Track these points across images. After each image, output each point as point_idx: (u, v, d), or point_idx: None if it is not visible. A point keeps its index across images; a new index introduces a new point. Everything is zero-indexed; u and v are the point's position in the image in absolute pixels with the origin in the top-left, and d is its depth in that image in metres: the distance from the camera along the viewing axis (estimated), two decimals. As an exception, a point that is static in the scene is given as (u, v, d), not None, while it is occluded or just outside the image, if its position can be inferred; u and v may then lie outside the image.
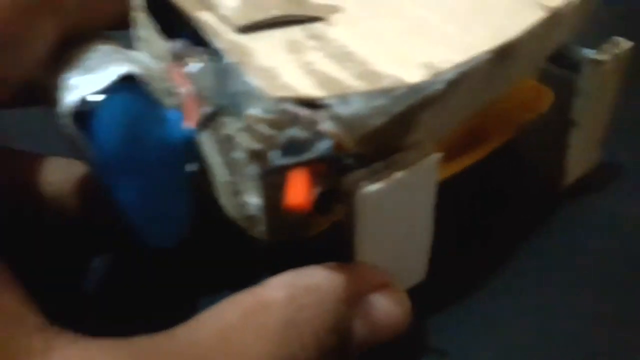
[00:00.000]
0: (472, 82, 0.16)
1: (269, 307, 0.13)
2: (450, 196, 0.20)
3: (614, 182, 0.25)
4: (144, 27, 0.16)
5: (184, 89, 0.14)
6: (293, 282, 0.14)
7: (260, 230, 0.15)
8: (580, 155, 0.23)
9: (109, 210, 0.15)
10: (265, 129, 0.13)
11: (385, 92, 0.14)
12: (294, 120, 0.13)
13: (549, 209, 0.24)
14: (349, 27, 0.16)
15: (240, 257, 0.19)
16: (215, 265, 0.20)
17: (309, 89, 0.13)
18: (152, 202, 0.13)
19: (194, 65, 0.14)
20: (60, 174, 0.19)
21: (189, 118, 0.14)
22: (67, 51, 0.16)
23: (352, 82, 0.14)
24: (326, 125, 0.12)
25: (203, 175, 0.16)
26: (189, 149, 0.14)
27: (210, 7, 0.15)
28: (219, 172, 0.15)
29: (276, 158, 0.12)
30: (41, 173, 0.19)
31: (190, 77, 0.14)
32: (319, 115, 0.13)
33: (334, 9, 0.16)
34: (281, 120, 0.13)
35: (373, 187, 0.14)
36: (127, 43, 0.18)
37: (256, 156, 0.13)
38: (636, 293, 0.21)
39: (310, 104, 0.13)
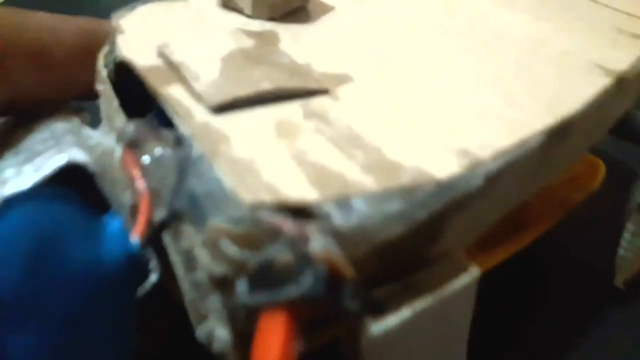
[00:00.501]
0: (520, 171, 0.12)
1: None
2: (485, 294, 0.16)
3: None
4: (108, 102, 0.13)
5: (138, 184, 0.11)
6: None
7: None
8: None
9: None
10: (231, 248, 0.09)
11: (405, 191, 0.10)
12: (272, 236, 0.09)
13: (603, 310, 0.20)
14: (358, 102, 0.12)
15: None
16: None
17: (298, 189, 0.10)
18: (67, 353, 0.09)
19: (152, 154, 0.11)
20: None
21: (138, 226, 0.10)
22: (15, 127, 0.14)
23: (358, 176, 0.10)
24: (318, 245, 0.09)
25: (168, 275, 0.12)
26: (133, 268, 0.10)
27: (183, 79, 0.12)
28: (184, 286, 0.11)
29: (244, 292, 0.09)
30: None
31: (147, 168, 0.11)
32: (309, 229, 0.09)
33: (343, 79, 0.13)
34: (255, 236, 0.09)
35: (386, 324, 0.10)
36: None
37: (218, 283, 0.09)
38: None
39: (299, 211, 0.09)
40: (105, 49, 0.14)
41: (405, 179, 0.10)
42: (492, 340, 0.18)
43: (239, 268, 0.09)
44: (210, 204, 0.10)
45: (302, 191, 0.10)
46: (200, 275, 0.10)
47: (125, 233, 0.10)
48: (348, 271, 0.09)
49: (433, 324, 0.11)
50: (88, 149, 0.12)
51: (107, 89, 0.13)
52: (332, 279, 0.09)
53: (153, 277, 0.11)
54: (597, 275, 0.20)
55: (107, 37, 0.15)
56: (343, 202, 0.09)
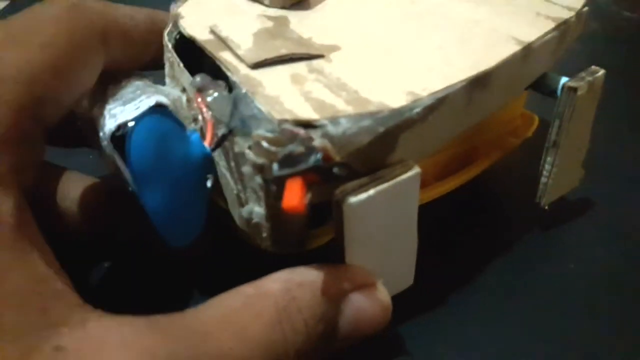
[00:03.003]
0: (451, 107, 0.19)
1: (266, 295, 0.16)
2: (442, 211, 0.22)
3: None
4: (173, 65, 0.20)
5: (205, 114, 0.17)
6: (288, 277, 0.17)
7: (264, 239, 0.18)
8: (563, 176, 0.25)
9: (128, 221, 0.17)
10: (268, 146, 0.15)
11: (370, 114, 0.16)
12: (292, 138, 0.15)
13: (527, 229, 0.26)
14: (345, 63, 0.19)
15: (246, 265, 0.22)
16: (220, 271, 0.22)
17: (306, 112, 0.16)
18: (174, 208, 0.16)
19: (213, 95, 0.17)
20: (76, 187, 0.22)
21: (207, 138, 0.16)
22: (107, 86, 0.20)
23: (343, 107, 0.17)
24: (318, 142, 0.15)
25: (217, 188, 0.18)
26: (207, 164, 0.16)
27: (229, 48, 0.18)
28: (230, 185, 0.18)
29: (275, 170, 0.15)
30: (59, 184, 0.21)
31: (210, 104, 0.17)
32: (313, 133, 0.15)
33: (334, 48, 0.19)
34: (282, 139, 0.15)
35: (359, 197, 0.16)
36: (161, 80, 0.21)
37: (260, 169, 0.16)
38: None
39: (307, 124, 0.16)
40: (168, 28, 0.20)
41: (371, 108, 0.17)
42: (441, 245, 0.24)
43: (272, 157, 0.15)
44: (253, 123, 0.16)
45: (308, 114, 0.16)
46: (247, 168, 0.16)
47: (201, 141, 0.16)
48: (335, 156, 0.15)
49: (389, 202, 0.17)
50: (165, 95, 0.19)
51: (173, 55, 0.20)
52: (327, 159, 0.15)
53: (209, 181, 0.18)
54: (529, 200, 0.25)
55: (163, 22, 0.21)
56: (333, 120, 0.16)
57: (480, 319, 0.22)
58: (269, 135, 0.16)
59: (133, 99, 0.18)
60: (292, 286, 0.16)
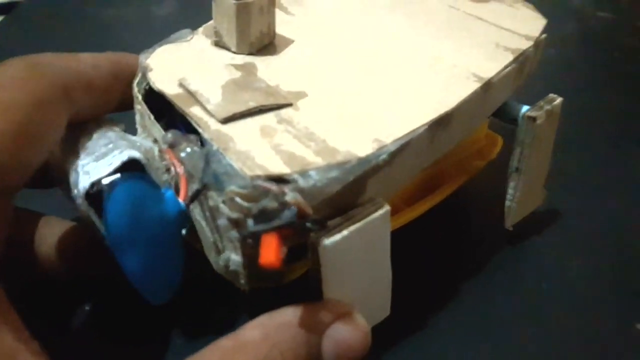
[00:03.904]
0: (414, 149, 0.19)
1: (245, 347, 0.16)
2: (412, 235, 0.23)
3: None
4: (143, 116, 0.20)
5: (178, 169, 0.17)
6: (266, 322, 0.17)
7: (242, 283, 0.18)
8: (526, 198, 0.26)
9: (104, 269, 0.17)
10: (241, 202, 0.16)
11: (338, 165, 0.17)
12: (265, 193, 0.16)
13: (498, 248, 0.27)
14: (312, 111, 0.19)
15: (225, 304, 0.22)
16: (201, 313, 0.23)
17: (277, 166, 0.17)
18: (152, 266, 0.16)
19: (185, 150, 0.17)
20: (53, 233, 0.22)
21: (181, 194, 0.17)
22: (78, 136, 0.20)
23: (312, 158, 0.17)
24: (290, 197, 0.16)
25: (194, 237, 0.19)
26: (182, 218, 0.17)
27: (199, 102, 0.19)
28: (206, 233, 0.18)
29: (251, 225, 0.16)
30: (36, 231, 0.21)
31: (182, 159, 0.17)
32: (285, 187, 0.16)
33: (301, 95, 0.20)
34: (255, 194, 0.16)
35: (333, 238, 0.17)
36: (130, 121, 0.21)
37: (235, 223, 0.16)
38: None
39: (279, 179, 0.16)
40: (137, 79, 0.21)
41: (339, 158, 0.17)
42: (416, 266, 0.25)
43: (246, 212, 0.16)
44: (226, 178, 0.16)
45: (279, 168, 0.17)
46: (222, 221, 0.17)
47: (175, 198, 0.17)
48: (308, 210, 0.16)
49: (362, 240, 0.18)
50: (137, 148, 0.19)
51: (143, 107, 0.20)
52: (300, 214, 0.16)
53: (184, 231, 0.18)
54: (498, 219, 0.26)
55: (129, 65, 0.21)
56: (303, 173, 0.17)
57: (459, 341, 0.23)
58: (242, 191, 0.16)
59: (105, 154, 0.19)
60: (270, 331, 0.17)
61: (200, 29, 0.23)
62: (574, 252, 0.27)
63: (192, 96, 0.19)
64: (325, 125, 0.19)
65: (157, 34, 0.23)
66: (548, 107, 0.24)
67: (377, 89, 0.21)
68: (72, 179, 0.19)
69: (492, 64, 0.23)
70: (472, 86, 0.21)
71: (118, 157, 0.18)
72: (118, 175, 0.17)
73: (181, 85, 0.19)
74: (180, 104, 0.19)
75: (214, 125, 0.18)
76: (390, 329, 0.21)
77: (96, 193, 0.17)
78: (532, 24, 0.26)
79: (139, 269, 0.16)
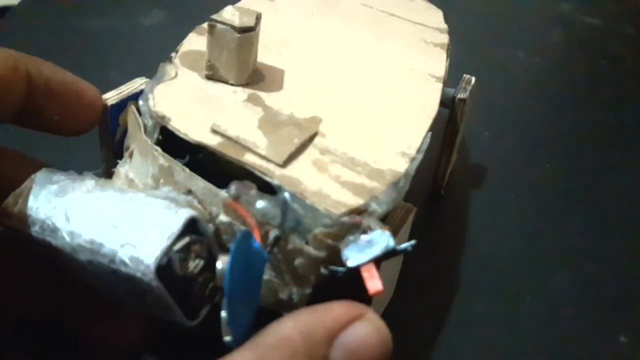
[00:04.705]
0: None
1: None
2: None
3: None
4: (170, 169, 0.19)
5: (249, 220, 0.18)
6: (259, 342, 0.14)
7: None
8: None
9: None
10: (329, 240, 0.17)
11: (394, 185, 0.19)
12: (352, 227, 0.17)
13: (477, 261, 0.27)
14: (335, 135, 0.21)
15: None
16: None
17: (352, 199, 0.18)
18: (243, 314, 0.16)
19: (259, 203, 0.18)
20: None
21: (261, 242, 0.17)
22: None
23: (370, 184, 0.19)
24: (374, 224, 0.18)
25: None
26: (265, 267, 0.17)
27: (248, 149, 0.19)
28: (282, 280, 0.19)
29: (347, 260, 0.17)
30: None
31: (254, 210, 0.18)
32: (368, 218, 0.18)
33: (317, 121, 0.21)
34: (342, 231, 0.17)
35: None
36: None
37: (322, 262, 0.17)
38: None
39: (359, 211, 0.18)
40: (146, 128, 0.19)
41: (389, 178, 0.19)
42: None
43: (333, 250, 0.17)
44: (310, 221, 0.17)
45: (354, 200, 0.18)
46: (301, 261, 0.18)
47: (260, 247, 0.17)
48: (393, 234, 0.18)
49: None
50: (183, 206, 0.18)
51: (173, 161, 0.19)
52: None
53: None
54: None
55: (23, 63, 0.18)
56: (376, 200, 0.18)
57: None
58: (330, 230, 0.17)
59: (155, 222, 0.18)
60: (265, 352, 0.14)
61: (176, 60, 0.22)
62: (557, 264, 0.27)
63: (236, 143, 0.19)
64: (354, 146, 0.20)
65: (144, 43, 0.21)
66: (470, 87, 0.29)
67: (371, 102, 0.23)
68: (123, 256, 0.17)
69: (435, 62, 0.26)
70: (437, 86, 0.25)
71: (174, 218, 0.17)
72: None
73: (215, 132, 0.19)
74: (230, 153, 0.18)
75: (276, 169, 0.18)
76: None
77: (167, 265, 0.17)
78: (433, 15, 0.30)
79: (237, 315, 0.16)
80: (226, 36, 0.20)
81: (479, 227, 0.29)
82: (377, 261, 0.17)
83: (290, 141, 0.19)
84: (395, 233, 0.20)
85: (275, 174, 0.18)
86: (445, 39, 0.28)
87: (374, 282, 0.17)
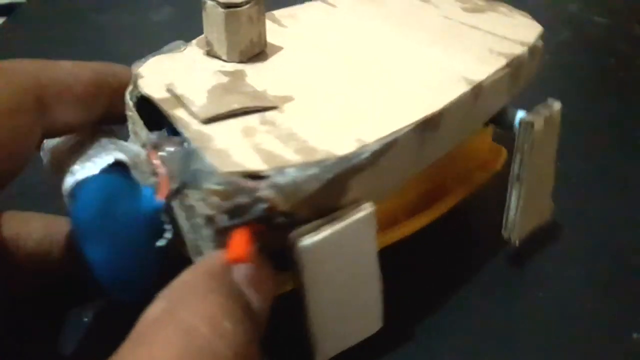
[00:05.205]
0: (402, 150, 0.19)
1: (147, 334, 0.13)
2: (410, 246, 0.22)
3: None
4: (134, 122, 0.20)
5: (159, 169, 0.18)
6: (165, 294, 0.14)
7: None
8: (530, 210, 0.25)
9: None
10: (216, 199, 0.16)
11: (317, 163, 0.17)
12: (239, 190, 0.16)
13: (494, 258, 0.26)
14: (297, 113, 0.19)
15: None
16: None
17: (254, 164, 0.17)
18: (119, 263, 0.16)
19: (166, 150, 0.18)
20: (41, 231, 0.21)
21: (161, 193, 0.17)
22: (73, 145, 0.20)
23: (291, 156, 0.17)
24: (264, 193, 0.16)
25: (181, 241, 0.19)
26: (158, 217, 0.17)
27: (184, 105, 0.19)
28: (189, 236, 0.18)
29: (224, 221, 0.16)
30: (23, 229, 0.21)
31: (164, 160, 0.18)
32: (261, 184, 0.16)
33: (288, 99, 0.20)
34: (229, 191, 0.16)
35: (312, 239, 0.17)
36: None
37: (209, 220, 0.16)
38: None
39: (255, 176, 0.16)
40: (130, 88, 0.21)
41: (318, 156, 0.17)
42: (412, 278, 0.24)
43: (220, 209, 0.16)
44: (203, 176, 0.16)
45: (257, 165, 0.17)
46: (199, 219, 0.17)
47: (153, 196, 0.17)
48: (281, 205, 0.16)
49: (345, 243, 0.18)
50: (124, 152, 0.19)
51: (134, 114, 0.20)
52: (271, 209, 0.15)
53: (168, 234, 0.18)
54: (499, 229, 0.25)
55: (115, 75, 0.21)
56: (280, 170, 0.16)
57: (455, 351, 0.22)
58: (218, 188, 0.16)
59: (92, 157, 0.19)
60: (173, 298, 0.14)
61: (194, 41, 0.24)
62: (571, 260, 0.26)
63: (178, 99, 0.19)
64: (309, 126, 0.19)
65: (153, 39, 0.23)
66: (547, 112, 0.24)
67: (364, 94, 0.21)
68: (63, 182, 0.19)
69: (483, 67, 0.23)
70: (462, 89, 0.21)
71: (104, 159, 0.19)
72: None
73: (169, 90, 0.20)
74: (165, 106, 0.19)
75: (195, 125, 0.18)
76: (381, 342, 0.21)
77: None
78: (527, 30, 0.26)
79: (103, 261, 0.16)
80: (214, 12, 0.21)
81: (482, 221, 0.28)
82: (257, 231, 0.16)
83: (227, 105, 0.19)
84: (329, 224, 0.17)
85: (190, 128, 0.18)
86: (518, 50, 0.24)
87: (234, 248, 0.15)
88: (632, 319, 0.24)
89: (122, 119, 0.21)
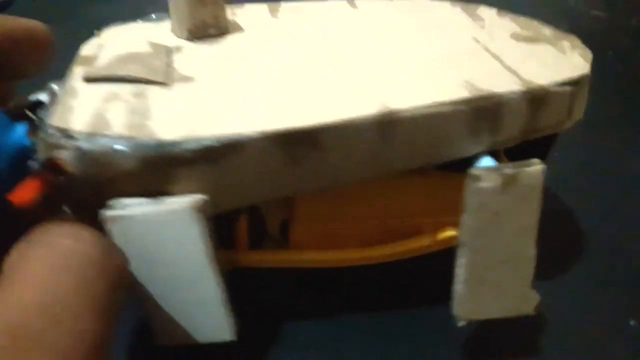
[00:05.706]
0: (252, 157, 0.17)
1: None
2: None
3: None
4: None
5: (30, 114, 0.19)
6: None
7: None
8: (488, 292, 0.20)
9: None
10: (41, 147, 0.17)
11: (130, 139, 0.17)
12: (52, 145, 0.17)
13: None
14: (178, 95, 0.19)
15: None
16: None
17: (77, 125, 0.17)
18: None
19: (33, 97, 0.19)
20: None
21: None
22: None
23: (119, 129, 0.17)
24: (60, 154, 0.16)
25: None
26: (25, 154, 0.17)
27: (89, 63, 0.20)
28: None
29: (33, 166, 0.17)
30: None
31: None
32: (65, 142, 0.16)
33: (187, 80, 0.20)
34: (47, 142, 0.17)
35: (115, 212, 0.16)
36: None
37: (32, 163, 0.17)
38: None
39: (68, 135, 0.17)
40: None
41: (141, 135, 0.17)
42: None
43: (37, 157, 0.17)
44: (43, 125, 0.18)
45: (77, 126, 0.17)
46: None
47: (25, 134, 0.18)
48: (68, 167, 0.16)
49: (162, 231, 0.17)
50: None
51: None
52: (56, 166, 0.16)
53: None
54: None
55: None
56: (92, 136, 0.17)
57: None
58: (42, 136, 0.17)
59: None
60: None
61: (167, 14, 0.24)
62: (567, 249, 0.27)
63: (91, 59, 0.20)
64: (171, 109, 0.18)
65: None
66: (510, 171, 0.19)
67: (272, 90, 0.19)
68: None
69: (419, 96, 0.19)
70: (368, 110, 0.18)
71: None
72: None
73: (97, 50, 0.21)
74: (77, 61, 0.20)
75: (76, 81, 0.19)
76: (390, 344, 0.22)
77: None
78: (557, 72, 0.21)
79: None
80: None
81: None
82: (39, 178, 0.16)
83: (115, 70, 0.19)
84: (146, 205, 0.17)
85: (68, 82, 0.19)
86: (502, 88, 0.20)
87: (20, 193, 0.16)
88: (629, 305, 0.24)
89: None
